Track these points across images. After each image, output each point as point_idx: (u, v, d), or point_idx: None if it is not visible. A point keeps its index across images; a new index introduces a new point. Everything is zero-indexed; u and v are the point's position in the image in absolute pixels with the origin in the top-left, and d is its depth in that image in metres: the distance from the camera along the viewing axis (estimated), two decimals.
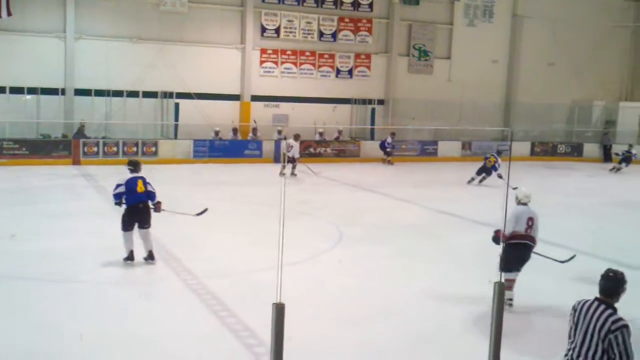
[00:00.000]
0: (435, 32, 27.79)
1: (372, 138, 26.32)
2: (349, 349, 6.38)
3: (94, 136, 21.62)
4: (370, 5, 26.52)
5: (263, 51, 25.06)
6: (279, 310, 3.39)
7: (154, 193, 9.01)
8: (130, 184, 8.91)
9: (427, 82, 27.52)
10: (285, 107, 25.52)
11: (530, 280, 8.62)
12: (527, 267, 8.83)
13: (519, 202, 7.83)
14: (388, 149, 23.49)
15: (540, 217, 7.87)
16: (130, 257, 8.99)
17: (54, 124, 21.85)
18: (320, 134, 24.59)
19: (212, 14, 24.23)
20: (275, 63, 25.34)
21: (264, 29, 24.95)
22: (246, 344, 6.34)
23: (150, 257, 9.01)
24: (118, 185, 8.97)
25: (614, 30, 30.49)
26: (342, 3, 26.00)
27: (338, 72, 26.33)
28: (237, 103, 24.95)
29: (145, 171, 9.37)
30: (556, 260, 8.82)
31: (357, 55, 26.62)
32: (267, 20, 24.96)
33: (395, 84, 27.09)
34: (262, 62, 25.10)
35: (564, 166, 24.63)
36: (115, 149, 21.04)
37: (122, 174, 9.24)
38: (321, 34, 25.85)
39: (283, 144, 21.42)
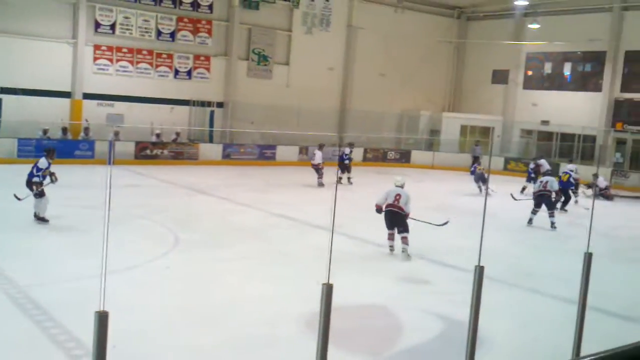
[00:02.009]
0: (274, 37, 28.20)
1: (211, 140, 26.17)
2: (180, 354, 6.30)
3: None
4: (210, 7, 26.33)
5: (97, 47, 23.96)
6: (102, 319, 3.28)
7: (31, 174, 11.60)
8: None
9: (266, 86, 27.83)
10: (120, 106, 24.58)
11: (357, 282, 9.05)
12: (355, 270, 9.21)
13: (395, 185, 11.12)
14: (346, 162, 20.76)
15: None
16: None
17: None
18: (157, 135, 23.99)
19: (40, 4, 22.74)
20: (110, 60, 24.34)
21: (98, 25, 23.87)
22: (72, 355, 6.06)
23: (36, 218, 11.66)
24: None
25: (439, 46, 32.77)
26: (181, 3, 25.54)
27: (176, 72, 25.86)
28: (67, 100, 23.62)
29: None
30: (432, 224, 11.86)
31: (197, 57, 26.31)
32: (102, 15, 23.92)
33: (234, 87, 27.09)
34: (95, 58, 23.99)
35: (395, 172, 25.93)
36: None
37: None
38: (159, 33, 25.23)
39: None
